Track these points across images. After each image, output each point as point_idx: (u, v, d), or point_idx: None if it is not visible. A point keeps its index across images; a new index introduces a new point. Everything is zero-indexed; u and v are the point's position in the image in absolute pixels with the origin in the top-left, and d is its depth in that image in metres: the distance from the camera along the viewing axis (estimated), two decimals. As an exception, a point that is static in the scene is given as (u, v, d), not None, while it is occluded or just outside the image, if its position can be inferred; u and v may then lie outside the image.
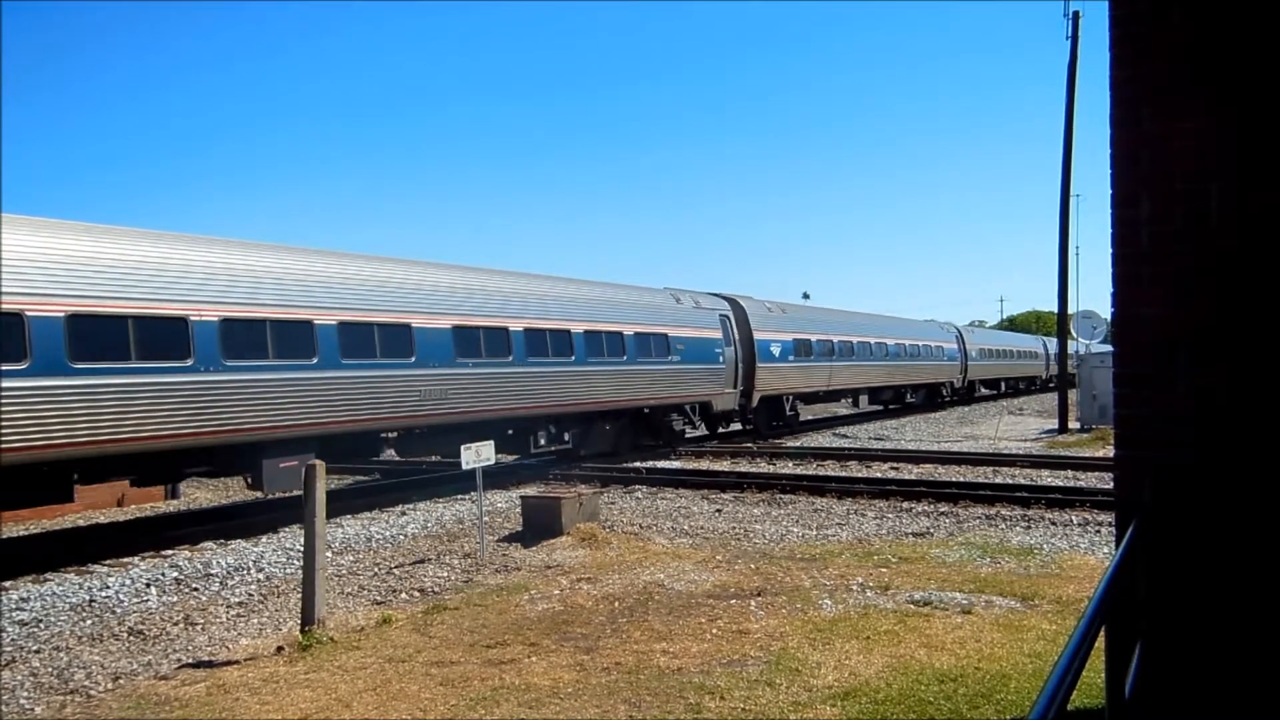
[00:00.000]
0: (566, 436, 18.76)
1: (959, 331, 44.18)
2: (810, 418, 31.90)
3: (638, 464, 18.96)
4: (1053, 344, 58.92)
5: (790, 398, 27.18)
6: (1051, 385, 55.79)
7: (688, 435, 23.46)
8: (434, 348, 14.96)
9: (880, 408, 36.70)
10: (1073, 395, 28.85)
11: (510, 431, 17.12)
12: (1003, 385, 52.22)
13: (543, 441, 17.93)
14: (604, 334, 19.16)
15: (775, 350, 25.66)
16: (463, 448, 11.01)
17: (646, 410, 20.98)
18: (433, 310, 15.21)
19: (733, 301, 24.91)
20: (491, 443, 11.62)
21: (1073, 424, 26.82)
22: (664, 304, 22.09)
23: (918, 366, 37.50)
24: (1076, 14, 29.06)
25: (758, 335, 24.77)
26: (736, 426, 26.20)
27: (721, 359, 23.06)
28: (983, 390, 48.53)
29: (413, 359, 14.58)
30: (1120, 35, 3.75)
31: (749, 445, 22.80)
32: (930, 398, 39.88)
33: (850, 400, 34.24)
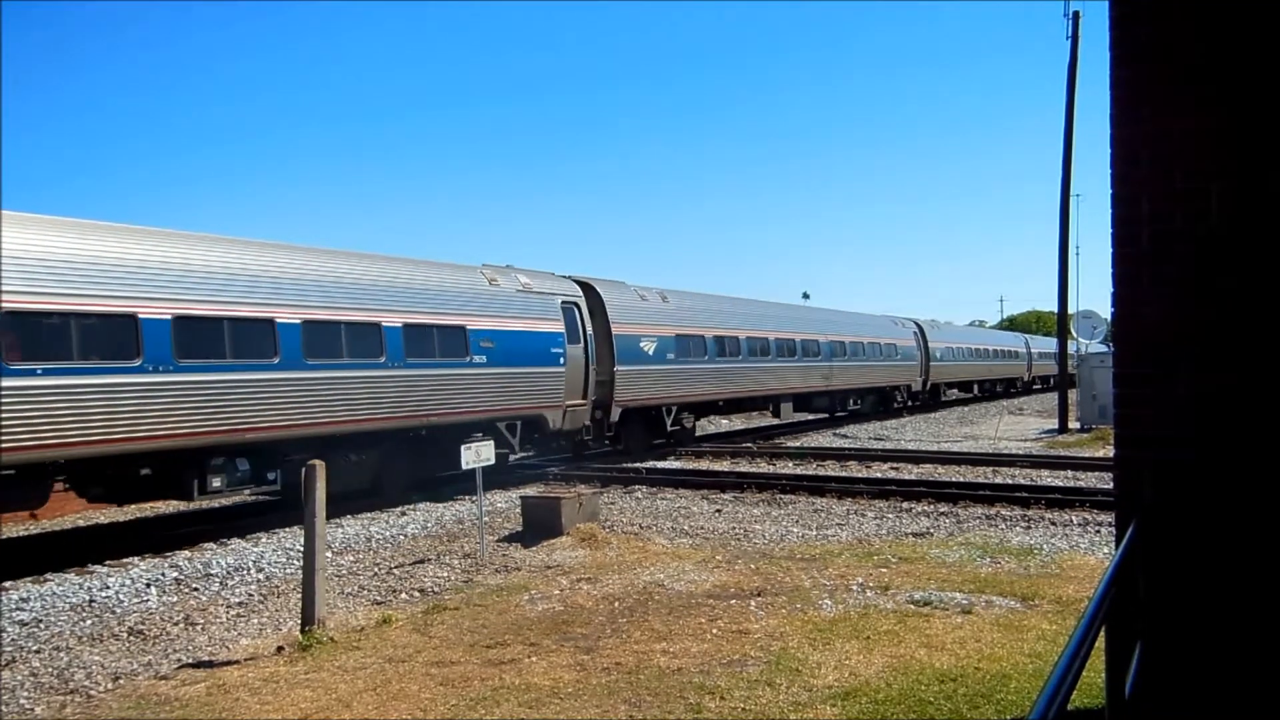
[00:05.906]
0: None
1: (919, 327, 37.54)
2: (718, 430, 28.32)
3: (638, 464, 18.97)
4: (1035, 341, 59.14)
5: (672, 409, 21.53)
6: (1035, 387, 55.86)
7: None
8: None
9: (811, 417, 30.71)
10: (1073, 395, 28.86)
11: None
12: (976, 388, 46.34)
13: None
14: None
15: (648, 348, 20.20)
16: (463, 448, 10.97)
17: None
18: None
19: (585, 286, 19.34)
20: (492, 442, 11.61)
21: (1073, 424, 26.83)
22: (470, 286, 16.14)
23: (863, 368, 31.21)
24: (1076, 14, 29.08)
25: (621, 330, 19.47)
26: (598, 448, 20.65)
27: (562, 360, 17.60)
28: (950, 394, 42.67)
29: None
30: (1120, 35, 3.75)
31: (749, 445, 22.82)
32: (882, 404, 33.84)
33: (771, 409, 27.83)
